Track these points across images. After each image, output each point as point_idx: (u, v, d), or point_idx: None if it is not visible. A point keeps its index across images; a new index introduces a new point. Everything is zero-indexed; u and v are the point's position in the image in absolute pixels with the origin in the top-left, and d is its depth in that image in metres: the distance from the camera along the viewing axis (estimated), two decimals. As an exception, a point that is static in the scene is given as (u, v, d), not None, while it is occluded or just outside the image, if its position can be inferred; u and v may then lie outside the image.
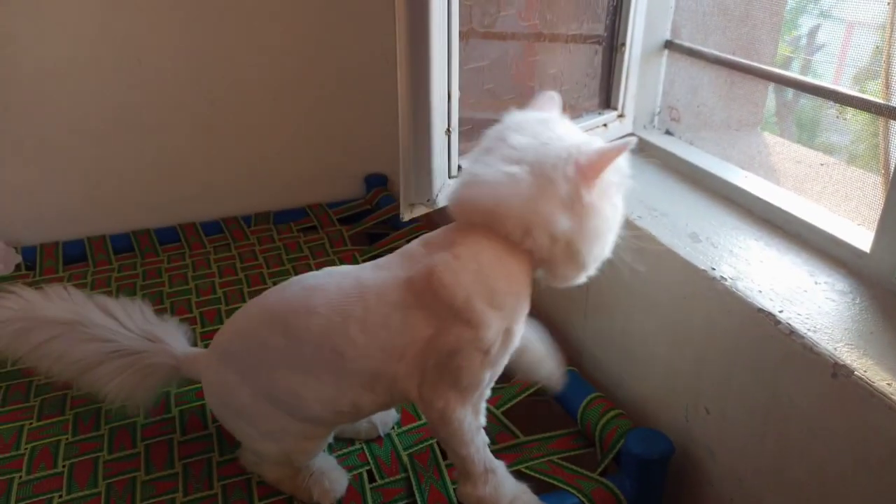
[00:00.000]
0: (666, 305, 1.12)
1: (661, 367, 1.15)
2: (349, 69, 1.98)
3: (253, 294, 1.57)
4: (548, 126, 0.89)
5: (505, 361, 0.94)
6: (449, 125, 1.04)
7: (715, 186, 1.22)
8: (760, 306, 0.92)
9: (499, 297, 0.87)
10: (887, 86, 0.98)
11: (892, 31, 0.97)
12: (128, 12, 1.76)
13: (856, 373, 0.80)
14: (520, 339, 0.94)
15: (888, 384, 0.77)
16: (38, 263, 1.80)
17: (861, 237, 0.99)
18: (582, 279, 0.92)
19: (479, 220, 0.88)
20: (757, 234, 1.10)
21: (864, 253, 0.97)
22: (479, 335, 0.87)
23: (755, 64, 1.19)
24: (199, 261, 1.81)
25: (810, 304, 0.92)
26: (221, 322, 1.55)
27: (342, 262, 1.74)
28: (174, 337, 1.16)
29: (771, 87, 1.35)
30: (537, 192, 0.84)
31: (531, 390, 1.28)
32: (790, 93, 1.40)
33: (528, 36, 1.31)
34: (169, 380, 1.15)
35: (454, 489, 1.04)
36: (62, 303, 1.13)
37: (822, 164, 1.26)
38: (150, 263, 1.80)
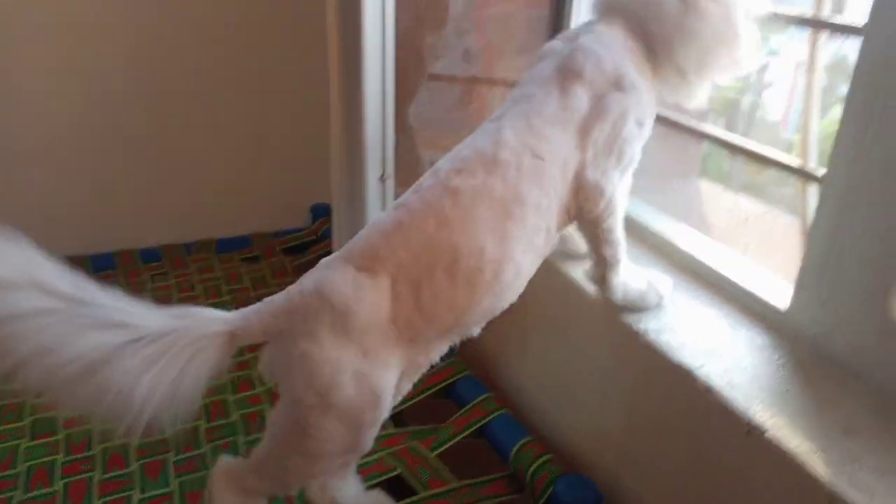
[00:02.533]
0: (598, 355, 1.14)
1: (594, 415, 1.17)
2: (297, 98, 1.98)
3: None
4: None
5: (641, 146, 0.99)
6: (384, 172, 1.04)
7: (647, 237, 1.25)
8: (681, 362, 0.95)
9: (642, 69, 0.95)
10: (805, 150, 1.02)
11: (809, 95, 1.01)
12: (73, 39, 1.74)
13: (768, 432, 0.82)
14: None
15: (798, 444, 0.80)
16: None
17: (782, 293, 1.02)
18: (692, 95, 0.98)
19: (609, 7, 0.97)
20: (685, 287, 1.13)
21: (783, 309, 1.00)
22: (635, 98, 0.93)
23: (680, 120, 1.22)
24: (135, 290, 1.76)
25: (730, 359, 0.95)
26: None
27: (282, 295, 1.73)
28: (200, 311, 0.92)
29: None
30: None
31: (465, 433, 1.28)
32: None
33: (477, 80, 1.33)
34: (221, 362, 0.89)
35: (594, 276, 1.07)
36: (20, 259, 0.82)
37: (756, 215, 1.30)
38: (84, 292, 1.75)
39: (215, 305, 1.67)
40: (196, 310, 0.90)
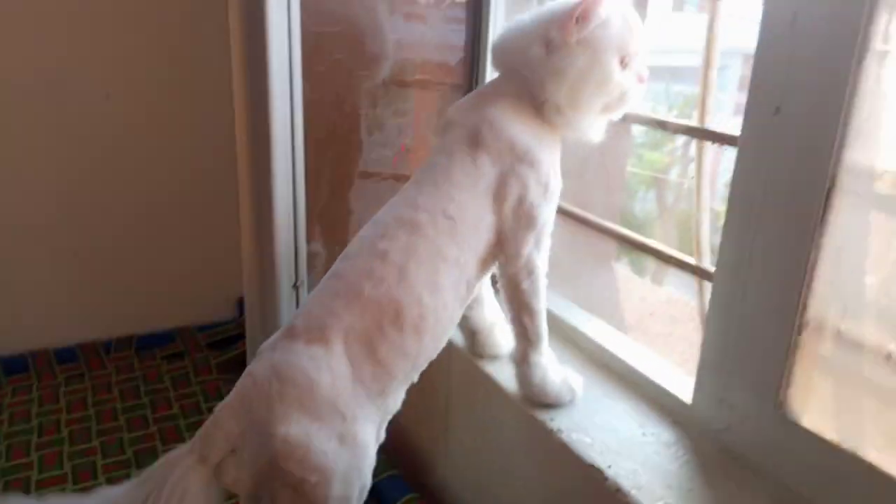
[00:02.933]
0: (517, 453, 1.14)
1: (512, 513, 1.16)
2: (222, 190, 1.98)
3: (102, 432, 1.49)
4: None
5: (554, 209, 1.05)
6: (296, 280, 1.04)
7: (561, 330, 1.28)
8: (592, 461, 0.96)
9: (542, 136, 1.02)
10: (698, 248, 1.08)
11: (699, 198, 1.08)
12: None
13: (673, 536, 0.83)
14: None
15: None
16: None
17: (686, 387, 1.05)
18: (580, 129, 1.02)
19: (505, 71, 1.05)
20: (596, 381, 1.15)
21: (687, 404, 1.03)
22: (538, 167, 1.00)
23: (591, 217, 1.28)
24: (47, 394, 1.70)
25: (638, 457, 0.97)
26: (62, 467, 1.44)
27: (206, 394, 1.69)
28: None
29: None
30: (530, 35, 0.99)
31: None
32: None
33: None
34: (207, 492, 0.90)
35: (515, 357, 1.09)
36: None
37: (665, 302, 1.35)
38: (-9, 398, 1.67)
39: (132, 407, 1.64)
40: (158, 462, 0.91)
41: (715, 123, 1.03)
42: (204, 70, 1.83)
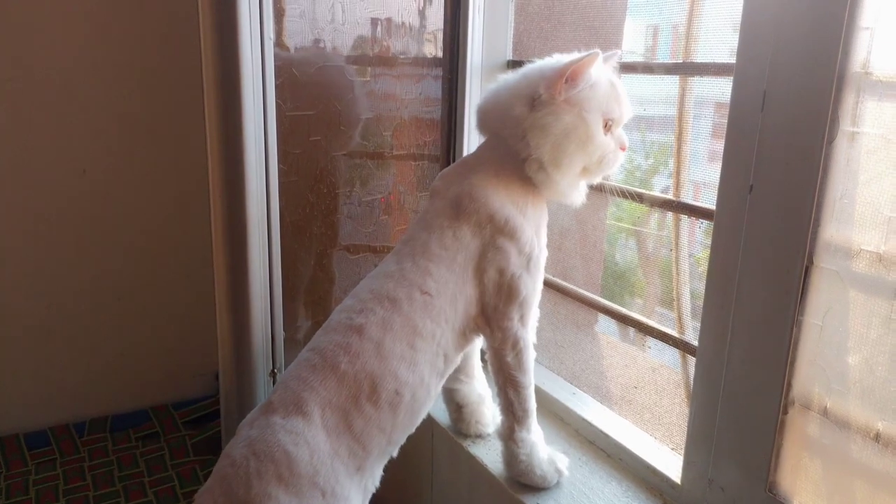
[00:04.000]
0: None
1: None
2: (199, 267, 1.96)
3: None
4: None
5: (541, 278, 1.04)
6: (273, 367, 1.02)
7: (546, 403, 1.26)
8: (580, 552, 0.93)
9: (525, 203, 1.01)
10: (680, 321, 1.07)
11: (678, 272, 1.07)
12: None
13: None
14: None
15: None
16: None
17: (675, 465, 1.03)
18: (560, 191, 1.01)
19: (487, 133, 1.07)
20: (583, 459, 1.13)
21: (677, 484, 1.00)
22: (519, 240, 0.99)
23: (573, 288, 1.27)
24: (16, 483, 1.63)
25: (628, 545, 0.94)
26: (28, 566, 1.37)
27: (181, 478, 1.63)
28: None
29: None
30: (515, 93, 1.00)
31: None
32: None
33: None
34: None
35: (502, 433, 1.06)
36: None
37: (651, 369, 1.33)
38: (-45, 490, 1.60)
39: (106, 496, 1.58)
40: None
41: (690, 173, 1.04)
42: (181, 150, 1.83)
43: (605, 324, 1.53)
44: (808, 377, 0.83)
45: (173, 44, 1.77)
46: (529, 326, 1.04)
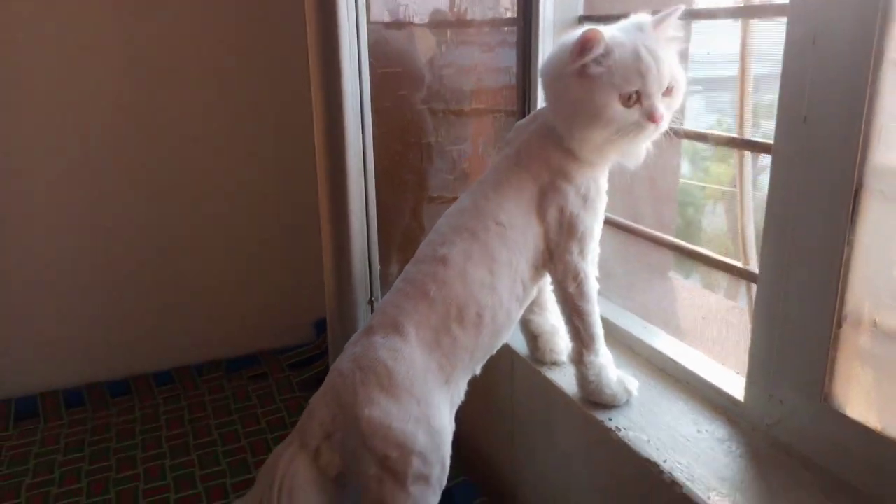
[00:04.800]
0: (577, 452, 1.21)
1: (578, 511, 1.23)
2: (297, 223, 2.14)
3: (199, 446, 1.63)
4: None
5: (601, 217, 1.13)
6: (371, 296, 1.15)
7: (618, 337, 1.35)
8: (647, 456, 1.02)
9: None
10: (745, 253, 1.13)
11: (742, 205, 1.13)
12: (76, 175, 1.92)
13: (725, 519, 0.89)
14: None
15: (751, 530, 0.86)
16: (-15, 425, 1.83)
17: (738, 386, 1.10)
18: (588, 161, 1.08)
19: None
20: (653, 384, 1.21)
21: (739, 402, 1.08)
22: (575, 182, 1.08)
23: (642, 228, 1.34)
24: (148, 414, 1.86)
25: (691, 453, 1.02)
26: (165, 478, 1.59)
27: (289, 410, 1.82)
28: None
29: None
30: (548, 61, 1.07)
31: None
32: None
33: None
34: (310, 473, 1.03)
35: (573, 358, 1.16)
36: None
37: (719, 308, 1.40)
38: (100, 419, 1.84)
39: (224, 425, 1.78)
40: (269, 459, 1.06)
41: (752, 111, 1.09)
42: (287, 108, 2.00)
43: (676, 266, 1.60)
44: (860, 294, 0.89)
45: (280, 8, 1.93)
46: (589, 260, 1.13)
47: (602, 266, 1.47)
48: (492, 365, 1.16)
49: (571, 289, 1.12)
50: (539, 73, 1.13)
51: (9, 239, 1.89)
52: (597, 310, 1.14)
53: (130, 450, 1.70)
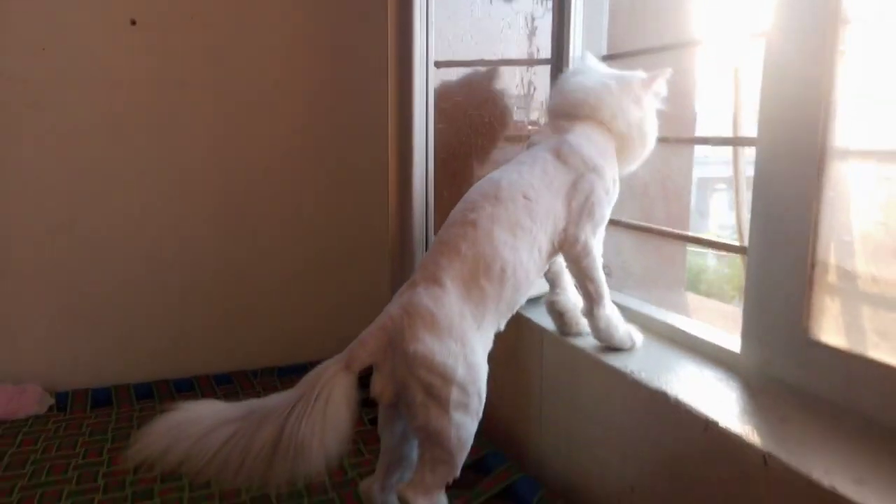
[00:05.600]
0: (595, 400, 1.40)
1: (595, 455, 1.40)
2: (355, 246, 2.39)
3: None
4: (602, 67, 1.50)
5: (611, 207, 1.40)
6: (424, 262, 1.39)
7: (635, 318, 1.55)
8: (657, 388, 1.21)
9: (607, 156, 1.39)
10: (740, 232, 1.35)
11: (738, 192, 1.37)
12: (152, 194, 2.21)
13: (720, 423, 1.07)
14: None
15: (743, 429, 1.05)
16: (68, 406, 2.05)
17: (735, 343, 1.30)
18: (639, 161, 1.45)
19: (585, 112, 1.41)
20: (662, 347, 1.42)
21: (736, 353, 1.28)
22: (603, 177, 1.36)
23: (655, 226, 1.58)
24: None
25: (695, 387, 1.21)
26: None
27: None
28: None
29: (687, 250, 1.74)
30: (620, 94, 1.40)
31: (494, 491, 1.51)
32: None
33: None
34: (350, 390, 1.19)
35: (586, 313, 1.41)
36: (220, 405, 1.23)
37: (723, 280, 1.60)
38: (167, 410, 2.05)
39: (279, 412, 1.97)
40: (311, 371, 1.22)
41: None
42: (350, 144, 2.32)
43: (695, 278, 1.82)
44: (826, 241, 1.11)
45: (364, 28, 2.26)
46: (598, 239, 1.39)
47: (623, 266, 1.70)
48: (522, 349, 1.37)
49: (584, 262, 1.36)
50: (591, 100, 1.42)
51: (101, 251, 2.17)
52: (602, 275, 1.38)
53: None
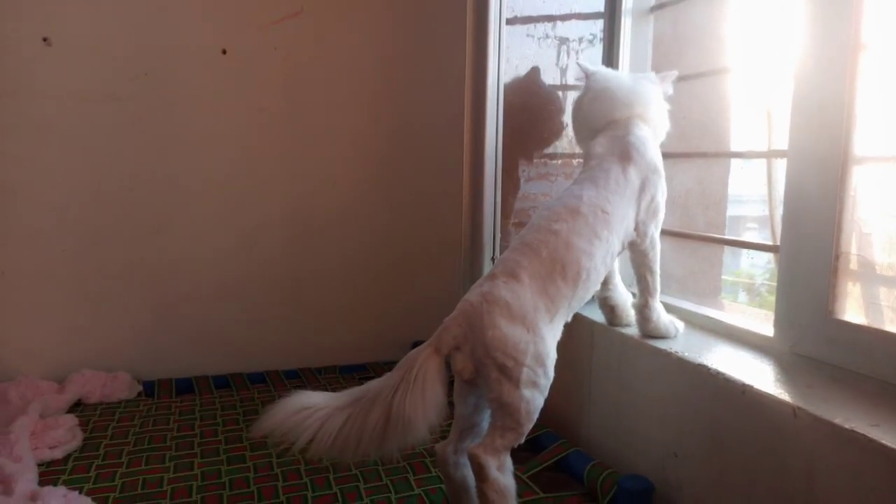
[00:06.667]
0: (642, 381, 1.57)
1: (642, 429, 1.57)
2: (412, 256, 2.60)
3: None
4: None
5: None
6: (493, 253, 1.59)
7: (677, 312, 1.73)
8: (699, 363, 1.39)
9: (658, 153, 1.60)
10: (774, 233, 1.53)
11: (771, 200, 1.55)
12: (227, 211, 2.45)
13: (755, 386, 1.25)
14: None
15: (776, 392, 1.22)
16: (154, 393, 2.27)
17: (769, 328, 1.47)
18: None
19: (636, 111, 1.62)
20: (700, 335, 1.59)
21: (769, 336, 1.45)
22: (661, 176, 1.57)
23: (693, 232, 1.76)
24: (285, 393, 2.26)
25: (732, 363, 1.39)
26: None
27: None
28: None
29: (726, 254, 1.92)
30: (657, 92, 1.65)
31: (549, 462, 1.68)
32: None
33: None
34: (440, 369, 1.34)
35: (638, 305, 1.62)
36: (330, 395, 1.38)
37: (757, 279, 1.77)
38: (245, 398, 2.26)
39: (346, 401, 2.17)
40: (406, 356, 1.38)
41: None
42: (442, 142, 2.57)
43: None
44: (847, 233, 1.29)
45: (436, 40, 2.51)
46: (658, 234, 1.58)
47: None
48: (573, 340, 1.55)
49: (651, 255, 1.56)
50: (637, 101, 1.63)
51: (186, 256, 2.40)
52: (659, 269, 1.56)
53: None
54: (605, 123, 1.65)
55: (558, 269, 1.41)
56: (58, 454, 1.76)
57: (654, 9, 1.94)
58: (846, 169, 1.29)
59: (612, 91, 1.65)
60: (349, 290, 2.59)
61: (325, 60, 2.46)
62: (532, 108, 1.85)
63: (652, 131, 1.62)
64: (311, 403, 1.34)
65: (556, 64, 1.89)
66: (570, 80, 1.93)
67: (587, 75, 1.71)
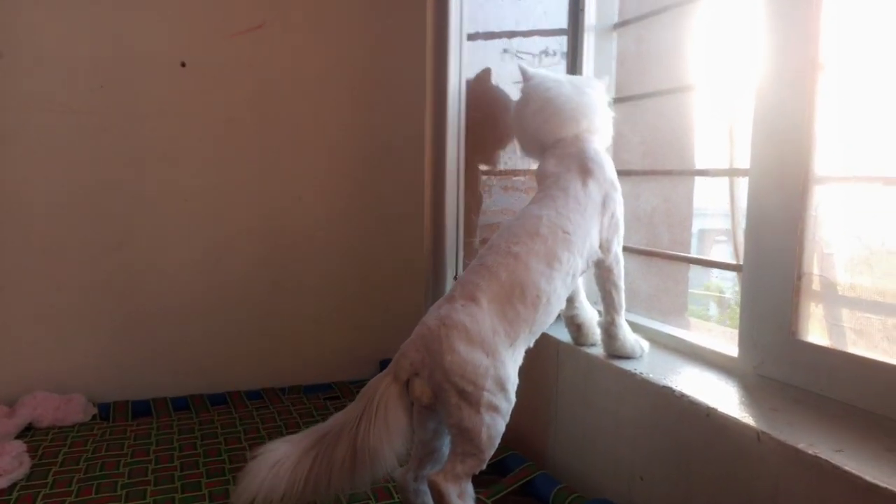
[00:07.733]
0: (606, 401, 1.55)
1: (606, 451, 1.55)
2: (379, 273, 2.56)
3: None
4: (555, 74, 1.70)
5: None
6: (456, 273, 1.56)
7: (641, 331, 1.71)
8: (663, 384, 1.37)
9: (613, 166, 1.58)
10: (736, 251, 1.53)
11: (734, 218, 1.54)
12: (201, 234, 2.39)
13: (720, 409, 1.23)
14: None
15: (740, 415, 1.20)
16: (110, 416, 2.19)
17: (732, 349, 1.46)
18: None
19: (585, 126, 1.60)
20: (665, 354, 1.58)
21: (734, 357, 1.44)
22: (619, 190, 1.56)
23: (657, 250, 1.75)
24: (245, 416, 2.21)
25: (696, 384, 1.37)
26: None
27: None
28: None
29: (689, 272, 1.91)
30: (603, 101, 1.63)
31: (514, 486, 1.64)
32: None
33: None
34: (400, 398, 1.34)
35: (604, 323, 1.59)
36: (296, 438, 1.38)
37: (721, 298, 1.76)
38: (205, 420, 2.19)
39: (309, 423, 2.12)
40: (366, 386, 1.38)
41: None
42: (387, 174, 2.51)
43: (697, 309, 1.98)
44: (809, 254, 1.28)
45: (399, 56, 2.48)
46: (620, 250, 1.57)
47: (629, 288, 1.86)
48: (539, 360, 1.52)
49: (615, 270, 1.55)
50: (590, 114, 1.61)
51: (145, 274, 2.34)
52: (624, 286, 1.55)
53: (239, 449, 2.03)
54: (553, 140, 1.61)
55: (517, 292, 1.39)
56: (3, 483, 1.68)
57: (617, 26, 1.94)
58: (807, 188, 1.29)
59: (558, 106, 1.60)
60: (315, 308, 2.54)
61: (291, 76, 2.42)
62: (484, 107, 1.83)
63: (601, 143, 1.61)
64: (279, 457, 1.31)
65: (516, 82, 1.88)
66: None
67: (525, 78, 1.67)
